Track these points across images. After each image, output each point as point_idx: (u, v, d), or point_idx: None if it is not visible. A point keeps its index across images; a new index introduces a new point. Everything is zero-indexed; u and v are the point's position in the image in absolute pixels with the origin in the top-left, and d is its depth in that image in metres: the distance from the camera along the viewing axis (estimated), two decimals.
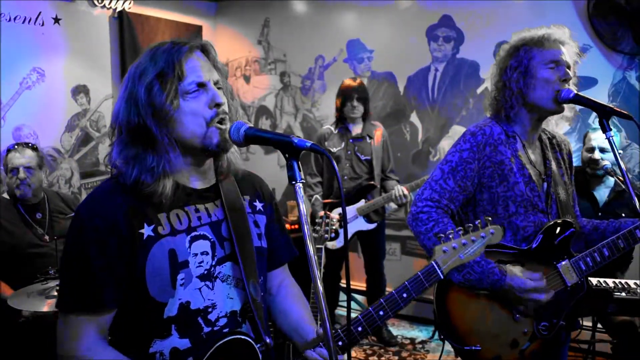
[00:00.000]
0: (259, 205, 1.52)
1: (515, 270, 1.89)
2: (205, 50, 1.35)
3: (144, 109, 1.24)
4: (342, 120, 4.11)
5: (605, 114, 1.87)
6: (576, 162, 3.75)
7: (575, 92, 1.92)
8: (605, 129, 1.87)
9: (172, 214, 1.31)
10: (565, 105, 1.95)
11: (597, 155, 3.08)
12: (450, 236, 1.63)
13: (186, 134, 1.28)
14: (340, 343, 1.44)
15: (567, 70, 1.92)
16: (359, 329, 1.48)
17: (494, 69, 2.06)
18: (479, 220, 1.66)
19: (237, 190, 1.45)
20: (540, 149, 2.07)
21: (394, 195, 3.87)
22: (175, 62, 1.26)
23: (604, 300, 2.02)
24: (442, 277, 1.60)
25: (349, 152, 4.06)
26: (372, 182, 4.04)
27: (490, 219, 1.68)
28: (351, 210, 3.98)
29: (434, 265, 1.60)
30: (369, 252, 4.29)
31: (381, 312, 1.50)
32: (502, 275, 1.86)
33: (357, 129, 4.11)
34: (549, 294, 1.87)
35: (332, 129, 4.13)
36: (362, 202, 4.01)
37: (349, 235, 3.99)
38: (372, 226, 4.09)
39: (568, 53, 1.96)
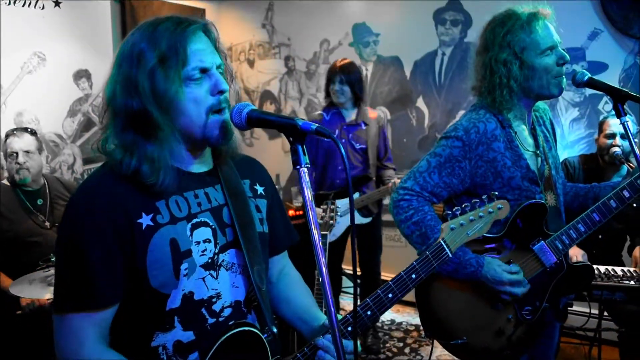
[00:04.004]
0: (259, 189, 1.47)
1: (494, 262, 1.86)
2: (207, 30, 1.28)
3: (145, 95, 1.18)
4: (334, 105, 3.80)
5: (620, 98, 1.82)
6: (589, 149, 3.73)
7: (589, 75, 1.88)
8: (620, 113, 1.83)
9: (171, 201, 1.24)
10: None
11: (618, 141, 2.99)
12: (457, 213, 1.60)
13: (186, 123, 1.22)
14: (349, 328, 1.41)
15: (562, 50, 1.86)
16: (368, 312, 1.44)
17: (480, 57, 1.95)
18: (485, 196, 1.64)
19: (236, 174, 1.40)
20: (530, 124, 2.02)
21: (390, 189, 3.68)
22: (178, 46, 1.18)
23: (586, 276, 1.99)
24: (450, 255, 1.57)
25: (343, 141, 3.72)
26: (367, 174, 3.82)
27: (496, 193, 1.65)
28: (345, 203, 3.67)
29: (442, 243, 1.57)
30: (364, 246, 4.01)
31: (390, 295, 1.47)
32: (478, 266, 1.84)
33: (351, 115, 3.79)
34: (526, 287, 1.86)
35: (324, 114, 3.81)
36: (356, 195, 3.77)
37: (342, 231, 3.76)
38: (367, 220, 3.87)
39: (554, 29, 1.88)
